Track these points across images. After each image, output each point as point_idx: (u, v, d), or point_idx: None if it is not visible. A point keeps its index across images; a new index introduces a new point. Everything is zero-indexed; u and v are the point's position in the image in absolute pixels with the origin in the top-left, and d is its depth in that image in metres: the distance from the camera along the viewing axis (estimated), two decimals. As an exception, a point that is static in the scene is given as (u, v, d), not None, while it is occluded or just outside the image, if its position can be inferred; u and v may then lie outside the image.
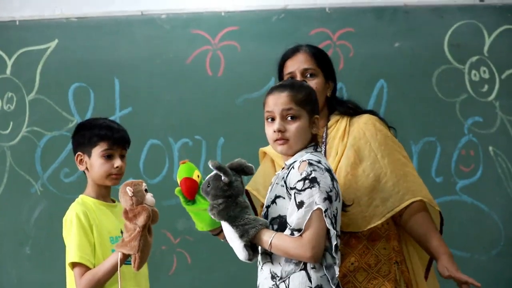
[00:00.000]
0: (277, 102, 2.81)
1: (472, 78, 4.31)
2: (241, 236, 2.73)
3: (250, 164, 2.83)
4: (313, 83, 3.10)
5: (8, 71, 4.46)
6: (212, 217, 2.75)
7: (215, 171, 2.74)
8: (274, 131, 2.81)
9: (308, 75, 3.14)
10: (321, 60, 3.18)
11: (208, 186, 2.75)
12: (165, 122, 4.37)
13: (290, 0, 4.40)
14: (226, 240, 2.85)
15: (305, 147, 2.83)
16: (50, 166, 4.37)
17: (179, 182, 2.83)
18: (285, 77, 3.17)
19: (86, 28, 4.45)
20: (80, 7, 4.48)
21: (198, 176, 2.84)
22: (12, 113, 4.45)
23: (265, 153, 3.34)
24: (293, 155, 2.84)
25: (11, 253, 4.39)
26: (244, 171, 2.81)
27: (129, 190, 2.92)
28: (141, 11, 4.44)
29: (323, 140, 3.15)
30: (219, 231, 2.89)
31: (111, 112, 4.37)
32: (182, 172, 2.84)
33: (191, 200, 2.84)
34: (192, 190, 2.82)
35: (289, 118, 2.81)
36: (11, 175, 4.42)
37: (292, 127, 2.79)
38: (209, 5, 4.45)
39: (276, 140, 2.82)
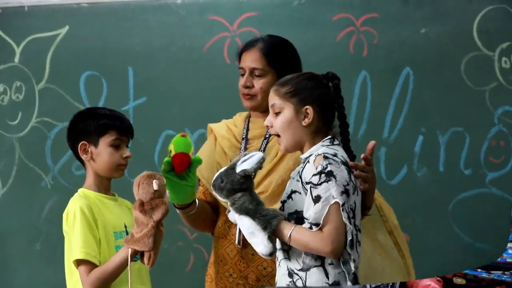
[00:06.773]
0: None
1: (502, 66, 4.22)
2: (264, 228, 2.71)
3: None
4: (259, 83, 3.21)
5: (16, 59, 4.45)
6: (234, 211, 2.75)
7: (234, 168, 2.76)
8: None
9: (255, 75, 3.23)
10: (274, 59, 3.22)
11: (222, 182, 2.75)
12: (181, 112, 4.33)
13: (312, -16, 4.34)
14: (186, 216, 3.09)
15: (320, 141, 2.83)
16: (61, 158, 4.37)
17: (173, 153, 2.87)
18: (240, 71, 3.29)
19: (98, 14, 4.41)
20: (91, -8, 4.45)
21: (192, 153, 2.95)
22: (21, 103, 4.44)
23: (211, 130, 3.37)
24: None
25: (21, 250, 4.41)
26: None
27: (155, 183, 2.86)
28: (156, -4, 4.40)
29: (266, 136, 3.22)
30: (185, 207, 3.06)
31: (124, 102, 4.36)
32: (180, 145, 2.90)
33: (177, 173, 2.92)
34: (185, 167, 2.92)
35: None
36: (20, 168, 4.42)
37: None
38: (227, -11, 4.39)
39: None
